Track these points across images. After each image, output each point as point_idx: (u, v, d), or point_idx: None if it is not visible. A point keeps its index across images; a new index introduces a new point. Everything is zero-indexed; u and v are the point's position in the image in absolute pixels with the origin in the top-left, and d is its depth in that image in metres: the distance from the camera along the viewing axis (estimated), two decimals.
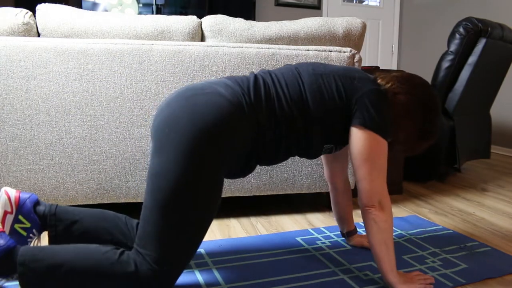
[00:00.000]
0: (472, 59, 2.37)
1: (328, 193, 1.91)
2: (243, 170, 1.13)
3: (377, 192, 1.10)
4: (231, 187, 1.68)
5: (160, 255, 0.98)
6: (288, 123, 1.08)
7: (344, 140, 1.17)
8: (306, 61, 1.66)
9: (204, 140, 0.97)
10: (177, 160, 0.95)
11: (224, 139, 0.99)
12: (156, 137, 1.01)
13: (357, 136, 1.09)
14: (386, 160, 1.12)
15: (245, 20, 1.72)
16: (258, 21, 1.75)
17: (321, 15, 4.81)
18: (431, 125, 1.18)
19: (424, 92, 1.18)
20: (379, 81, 1.18)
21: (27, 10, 1.55)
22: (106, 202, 1.59)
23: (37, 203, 1.13)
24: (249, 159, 1.10)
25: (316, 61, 1.24)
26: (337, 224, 1.70)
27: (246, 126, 1.03)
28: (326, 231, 1.61)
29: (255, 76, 1.10)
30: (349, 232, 1.45)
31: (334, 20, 1.79)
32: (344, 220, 1.44)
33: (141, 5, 4.00)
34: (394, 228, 1.65)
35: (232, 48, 1.61)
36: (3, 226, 1.06)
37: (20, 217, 1.08)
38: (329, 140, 1.15)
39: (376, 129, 1.09)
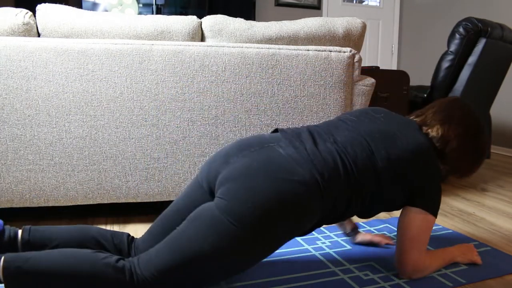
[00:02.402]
0: (472, 59, 2.37)
1: None
2: (304, 234, 1.13)
3: (415, 262, 1.17)
4: None
5: (165, 282, 0.95)
6: (357, 197, 1.10)
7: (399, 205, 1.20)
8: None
9: (280, 220, 0.97)
10: (250, 219, 0.94)
11: (297, 220, 0.99)
12: (231, 187, 0.99)
13: (412, 216, 1.15)
14: (430, 235, 1.17)
15: (245, 20, 1.72)
16: (258, 21, 1.75)
17: (321, 15, 4.81)
18: (481, 150, 1.23)
19: (469, 124, 1.20)
20: (428, 132, 1.19)
21: (27, 10, 1.55)
22: (106, 202, 1.59)
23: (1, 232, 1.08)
24: (312, 227, 1.11)
25: (366, 126, 1.17)
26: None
27: (320, 206, 1.03)
28: (326, 231, 1.61)
29: (339, 156, 1.07)
30: (353, 230, 1.47)
31: (334, 20, 1.79)
32: (348, 221, 1.47)
33: (141, 5, 4.00)
34: (393, 227, 1.65)
35: (232, 48, 1.61)
36: None
37: None
38: (388, 208, 1.19)
39: (432, 211, 1.14)
